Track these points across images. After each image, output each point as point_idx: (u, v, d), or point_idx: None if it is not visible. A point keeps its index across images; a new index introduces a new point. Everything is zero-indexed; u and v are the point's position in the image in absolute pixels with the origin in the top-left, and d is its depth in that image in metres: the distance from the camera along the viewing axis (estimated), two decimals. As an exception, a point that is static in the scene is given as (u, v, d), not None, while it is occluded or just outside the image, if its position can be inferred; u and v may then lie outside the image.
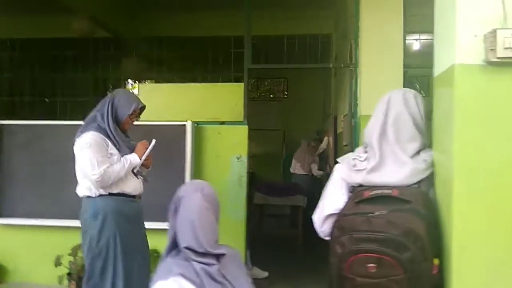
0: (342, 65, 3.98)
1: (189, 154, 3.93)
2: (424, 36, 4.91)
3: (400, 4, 3.71)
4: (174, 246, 1.41)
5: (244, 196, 4.00)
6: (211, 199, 1.45)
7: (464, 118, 1.31)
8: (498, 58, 1.27)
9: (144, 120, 4.22)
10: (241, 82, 3.78)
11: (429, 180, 1.50)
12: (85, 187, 2.69)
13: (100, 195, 2.66)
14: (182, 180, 3.99)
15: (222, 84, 4.20)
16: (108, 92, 5.25)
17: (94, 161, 2.56)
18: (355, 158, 1.59)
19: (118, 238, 2.63)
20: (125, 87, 5.02)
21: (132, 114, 2.76)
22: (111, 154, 2.66)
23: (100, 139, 2.63)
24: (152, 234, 4.06)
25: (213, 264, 1.34)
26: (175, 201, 1.46)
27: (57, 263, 3.90)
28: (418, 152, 1.53)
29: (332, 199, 1.61)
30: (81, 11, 5.44)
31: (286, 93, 9.26)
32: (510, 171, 1.28)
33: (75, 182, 4.16)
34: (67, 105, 5.55)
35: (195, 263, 1.33)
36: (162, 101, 4.25)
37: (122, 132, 2.78)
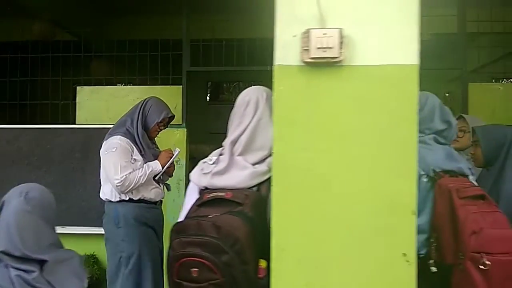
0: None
1: (125, 158, 3.91)
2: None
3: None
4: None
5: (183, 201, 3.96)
6: (38, 202, 1.41)
7: (282, 119, 1.29)
8: (312, 58, 1.25)
9: (82, 124, 4.23)
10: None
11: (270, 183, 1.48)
12: (108, 191, 2.74)
13: (121, 201, 2.70)
14: (119, 184, 3.97)
15: (161, 86, 4.17)
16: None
17: (118, 166, 2.59)
18: (205, 162, 1.57)
19: (140, 245, 2.66)
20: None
21: (161, 122, 2.79)
22: (135, 159, 2.68)
23: (126, 144, 2.66)
24: (89, 239, 4.04)
25: (33, 271, 1.31)
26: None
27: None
28: (264, 159, 1.51)
29: (186, 204, 1.59)
30: (41, 14, 5.39)
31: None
32: (326, 171, 1.27)
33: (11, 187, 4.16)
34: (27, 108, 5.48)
35: (11, 270, 1.30)
36: (101, 105, 4.22)
37: (149, 139, 2.82)
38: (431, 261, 1.57)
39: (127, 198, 2.67)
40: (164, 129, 2.93)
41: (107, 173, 2.67)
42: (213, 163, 1.54)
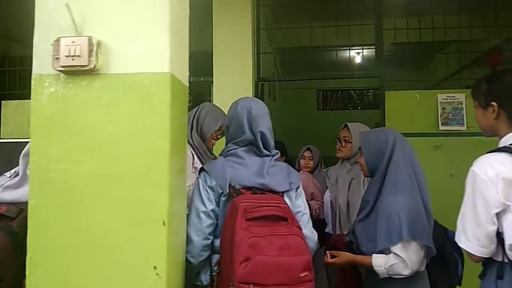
0: (202, 79, 3.98)
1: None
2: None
3: (249, 21, 3.74)
4: None
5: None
6: None
7: (38, 130, 1.26)
8: (62, 67, 1.23)
9: (4, 138, 4.19)
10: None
11: None
12: None
13: None
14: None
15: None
16: None
17: None
18: (4, 174, 1.54)
19: None
20: None
21: (218, 130, 2.43)
22: (196, 168, 2.29)
23: (188, 150, 2.25)
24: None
25: None
26: None
27: None
28: None
29: None
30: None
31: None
32: (81, 183, 1.23)
33: None
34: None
35: None
36: (26, 119, 4.18)
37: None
38: None
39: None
40: (221, 137, 2.49)
41: None
42: (10, 176, 1.51)
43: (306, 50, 7.06)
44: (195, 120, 2.41)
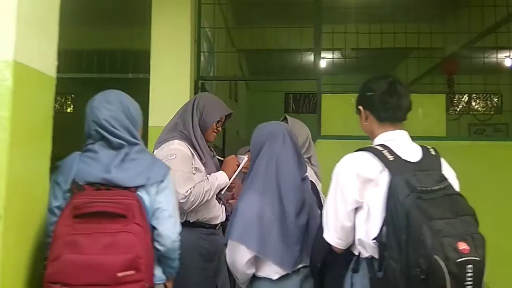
0: (141, 76, 3.92)
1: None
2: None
3: (188, 19, 3.71)
4: None
5: None
6: None
7: None
8: None
9: None
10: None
11: None
12: None
13: None
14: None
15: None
16: None
17: (180, 177, 2.01)
18: None
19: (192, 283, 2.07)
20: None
21: (218, 121, 2.26)
22: (196, 169, 2.13)
23: (186, 149, 2.11)
24: None
25: None
26: None
27: None
28: None
29: None
30: None
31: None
32: None
33: None
34: None
35: None
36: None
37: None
38: None
39: (182, 220, 1.98)
40: (221, 129, 2.36)
41: None
42: None
43: (267, 52, 7.10)
44: (194, 111, 2.22)
